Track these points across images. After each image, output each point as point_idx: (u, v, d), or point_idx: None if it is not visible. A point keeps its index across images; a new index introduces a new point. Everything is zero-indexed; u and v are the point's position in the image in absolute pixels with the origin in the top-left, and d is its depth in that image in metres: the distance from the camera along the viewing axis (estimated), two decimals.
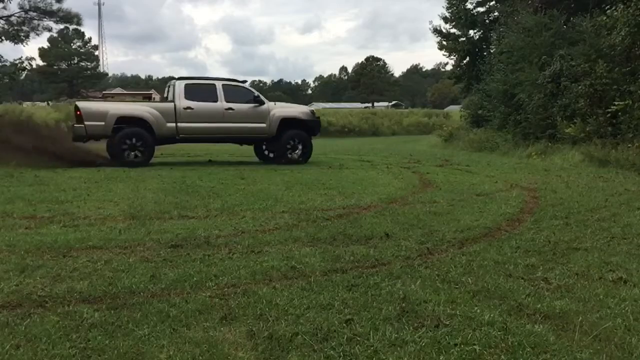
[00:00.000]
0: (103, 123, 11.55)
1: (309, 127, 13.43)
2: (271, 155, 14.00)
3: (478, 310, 3.14)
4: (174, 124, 12.09)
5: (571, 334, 2.84)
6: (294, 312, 3.11)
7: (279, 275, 3.82)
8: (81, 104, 11.97)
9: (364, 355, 2.61)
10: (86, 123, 11.50)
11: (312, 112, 14.03)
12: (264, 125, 12.86)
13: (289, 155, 13.01)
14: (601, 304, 3.29)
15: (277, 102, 14.35)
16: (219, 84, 12.73)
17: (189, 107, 12.19)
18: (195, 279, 3.71)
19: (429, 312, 3.13)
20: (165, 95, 13.66)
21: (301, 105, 15.81)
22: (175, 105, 12.17)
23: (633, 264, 4.15)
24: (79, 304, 3.24)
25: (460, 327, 2.91)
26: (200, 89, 12.57)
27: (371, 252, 4.42)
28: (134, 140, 11.71)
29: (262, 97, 13.21)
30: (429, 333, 2.83)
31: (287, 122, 13.03)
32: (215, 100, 12.51)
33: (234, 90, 12.93)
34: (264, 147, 14.02)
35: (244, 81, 13.80)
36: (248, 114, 12.78)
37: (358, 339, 2.77)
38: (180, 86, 12.35)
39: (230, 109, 12.54)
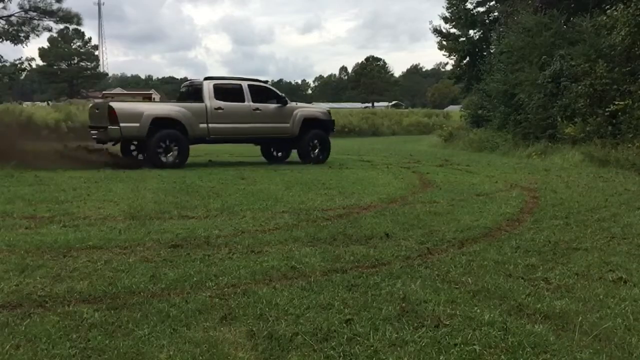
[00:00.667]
0: (138, 124, 11.12)
1: (326, 127, 13.70)
2: (278, 155, 14.11)
3: (478, 310, 3.14)
4: (205, 125, 11.94)
5: (571, 334, 2.84)
6: (294, 312, 3.11)
7: (279, 275, 3.82)
8: (116, 105, 11.40)
9: (364, 355, 2.61)
10: (121, 125, 10.99)
11: (329, 112, 14.32)
12: (288, 125, 12.97)
13: (312, 155, 13.18)
14: (601, 304, 3.29)
15: (297, 102, 14.46)
16: (244, 84, 12.73)
17: (219, 108, 12.10)
18: (195, 279, 3.70)
19: (429, 312, 3.13)
20: (195, 96, 12.95)
21: (318, 105, 15.88)
22: (206, 105, 12.01)
23: (633, 264, 4.15)
24: (79, 304, 3.23)
25: (460, 327, 2.91)
26: (228, 89, 12.52)
27: (371, 252, 4.42)
28: (168, 142, 11.44)
29: (285, 97, 13.35)
30: (429, 333, 2.83)
31: (308, 122, 13.21)
32: (243, 101, 12.50)
33: (260, 91, 13.02)
34: (271, 146, 14.10)
35: (266, 81, 13.85)
36: (274, 114, 12.87)
37: (358, 339, 2.77)
38: (209, 86, 12.19)
39: (258, 109, 12.60)
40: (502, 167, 11.83)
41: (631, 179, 9.37)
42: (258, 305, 3.22)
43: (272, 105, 12.89)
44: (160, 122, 11.42)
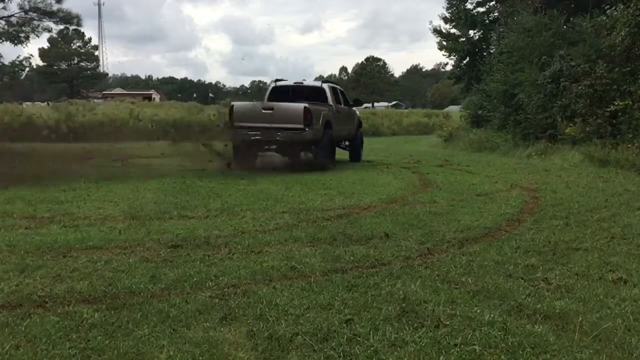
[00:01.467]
0: (319, 126, 10.93)
1: (359, 128, 14.64)
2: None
3: (478, 310, 3.14)
4: (336, 127, 12.10)
5: (571, 334, 2.84)
6: (294, 312, 3.11)
7: (279, 276, 3.82)
8: (311, 107, 10.82)
9: (364, 355, 2.61)
10: (314, 127, 10.70)
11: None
12: (352, 127, 13.65)
13: (361, 155, 14.06)
14: (601, 304, 3.28)
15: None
16: (337, 87, 13.22)
17: (338, 110, 12.36)
18: (195, 279, 3.71)
19: (429, 312, 3.13)
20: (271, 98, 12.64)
21: None
22: (333, 108, 12.14)
23: (633, 264, 4.15)
24: (79, 304, 3.23)
25: (460, 327, 2.91)
26: (334, 92, 12.75)
27: (371, 252, 4.42)
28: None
29: (361, 99, 13.96)
30: (429, 333, 2.83)
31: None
32: (341, 103, 12.86)
33: (340, 93, 13.47)
34: None
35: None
36: (349, 115, 13.52)
37: (358, 339, 2.77)
38: (329, 89, 12.26)
39: (346, 111, 13.22)
40: (502, 167, 11.82)
41: (631, 179, 9.37)
42: (258, 305, 3.22)
43: (347, 107, 13.45)
44: (326, 124, 11.41)
